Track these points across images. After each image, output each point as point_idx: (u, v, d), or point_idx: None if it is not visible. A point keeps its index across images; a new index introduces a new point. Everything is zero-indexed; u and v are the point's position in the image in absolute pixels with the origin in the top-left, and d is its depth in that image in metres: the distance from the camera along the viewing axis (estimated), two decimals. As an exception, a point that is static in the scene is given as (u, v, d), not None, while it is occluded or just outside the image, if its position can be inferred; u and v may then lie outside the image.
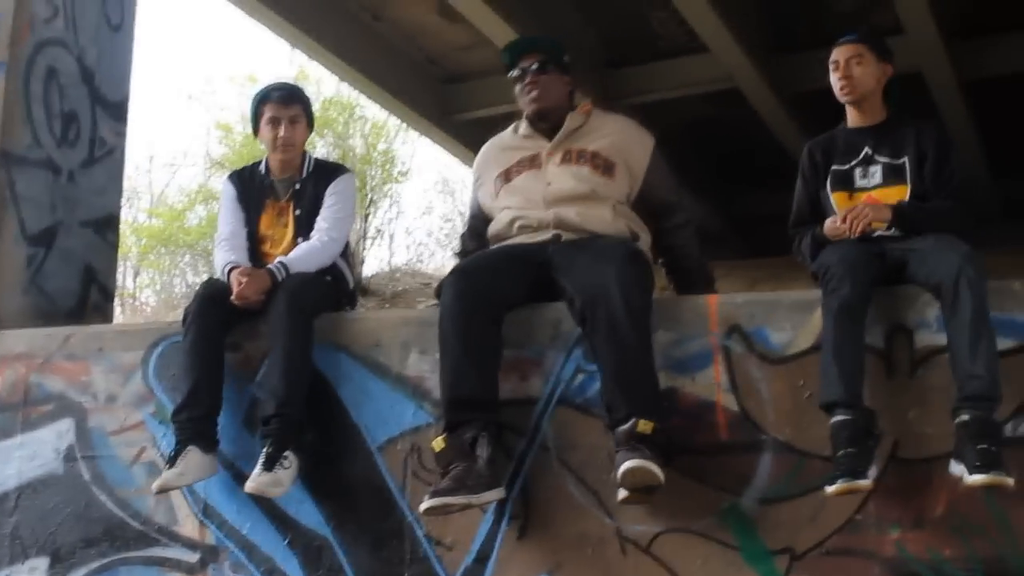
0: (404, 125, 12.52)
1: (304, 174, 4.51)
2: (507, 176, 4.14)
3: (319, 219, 4.38)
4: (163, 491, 3.93)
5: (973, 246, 3.47)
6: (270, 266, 4.19)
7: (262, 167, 4.57)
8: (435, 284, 11.52)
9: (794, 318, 3.55)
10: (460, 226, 19.37)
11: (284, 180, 4.50)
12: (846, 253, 3.49)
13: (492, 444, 3.51)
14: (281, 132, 4.44)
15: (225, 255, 4.34)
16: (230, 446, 4.09)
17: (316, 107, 13.71)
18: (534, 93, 4.12)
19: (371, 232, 13.22)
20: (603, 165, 4.03)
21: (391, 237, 15.05)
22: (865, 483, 3.17)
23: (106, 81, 5.22)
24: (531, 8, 8.28)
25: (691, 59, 8.97)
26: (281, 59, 26.95)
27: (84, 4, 5.13)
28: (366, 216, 12.67)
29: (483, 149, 4.39)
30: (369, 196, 12.98)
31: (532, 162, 4.11)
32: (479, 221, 4.28)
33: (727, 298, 3.70)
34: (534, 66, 4.14)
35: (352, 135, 14.15)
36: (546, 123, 4.16)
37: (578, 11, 8.63)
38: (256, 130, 4.60)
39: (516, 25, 8.12)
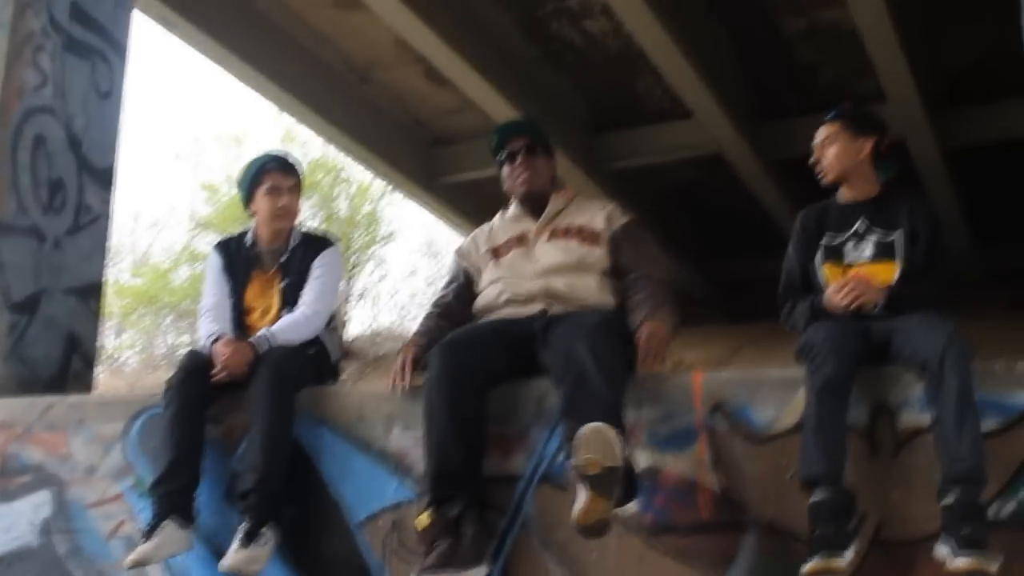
0: (390, 187, 12.56)
1: (291, 245, 4.52)
2: (496, 253, 4.18)
3: (305, 291, 4.39)
4: (137, 565, 3.86)
5: (954, 312, 3.51)
6: (253, 338, 4.19)
7: (249, 237, 4.58)
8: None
9: (778, 397, 3.55)
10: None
11: (271, 251, 4.51)
12: (831, 331, 3.49)
13: (476, 521, 3.50)
14: (283, 201, 4.47)
15: (209, 325, 4.34)
16: (210, 520, 4.05)
17: (303, 169, 13.90)
18: (525, 175, 4.17)
19: (355, 293, 13.25)
20: (589, 237, 4.07)
21: (375, 299, 15.10)
22: (841, 562, 3.15)
23: (94, 148, 5.24)
24: (518, 73, 8.39)
25: (675, 124, 9.09)
26: (268, 120, 27.08)
27: (73, 72, 5.17)
28: (350, 278, 12.69)
29: (470, 235, 4.42)
30: (354, 258, 13.01)
31: (520, 241, 4.15)
32: (462, 287, 4.27)
33: (712, 376, 3.70)
34: (523, 149, 4.19)
35: (337, 197, 14.24)
36: (533, 204, 4.20)
37: (564, 76, 8.72)
38: (249, 199, 4.57)
39: (503, 90, 8.22)
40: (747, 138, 8.72)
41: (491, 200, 10.27)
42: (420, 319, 4.26)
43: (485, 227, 4.35)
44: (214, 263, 4.56)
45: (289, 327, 4.27)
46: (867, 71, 7.83)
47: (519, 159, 4.18)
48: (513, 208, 4.28)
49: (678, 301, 3.97)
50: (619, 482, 3.22)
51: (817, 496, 3.24)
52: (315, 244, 4.57)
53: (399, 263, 30.42)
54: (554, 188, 4.28)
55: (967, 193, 9.45)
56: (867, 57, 7.51)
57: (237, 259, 4.53)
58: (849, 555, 3.17)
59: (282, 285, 4.43)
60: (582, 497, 3.22)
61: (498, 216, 4.35)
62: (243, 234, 4.64)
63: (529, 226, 4.17)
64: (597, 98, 9.05)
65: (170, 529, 3.84)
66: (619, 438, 3.23)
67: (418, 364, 3.88)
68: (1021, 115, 5.47)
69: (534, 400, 3.77)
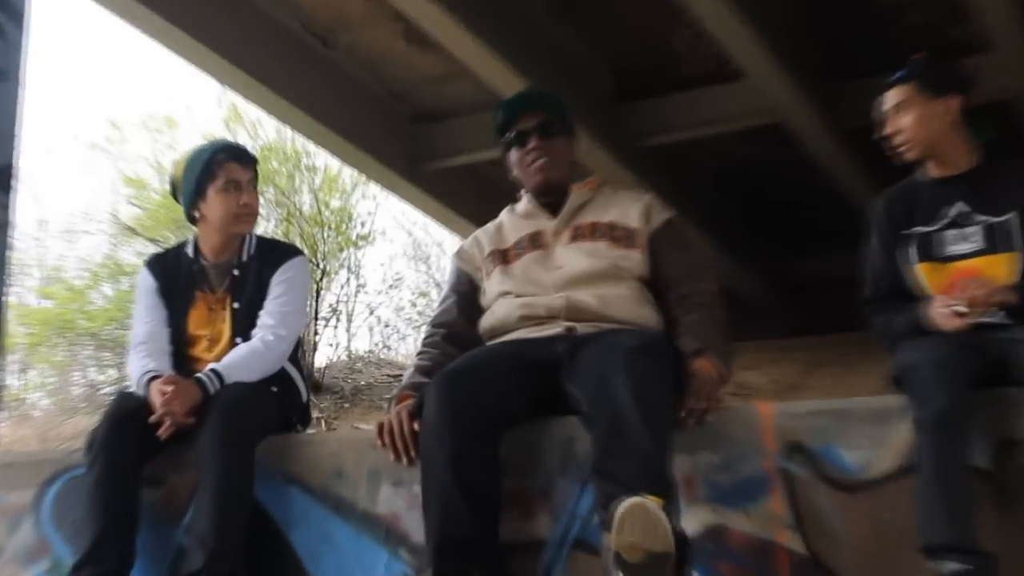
0: (364, 177, 12.56)
1: (245, 257, 4.52)
2: (504, 258, 4.16)
3: (263, 313, 4.39)
4: None
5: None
6: (200, 375, 4.17)
7: (189, 249, 4.58)
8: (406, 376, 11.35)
9: (873, 432, 3.53)
10: (435, 299, 19.42)
11: (219, 265, 4.51)
12: (935, 350, 3.47)
13: None
14: (245, 198, 4.47)
15: (142, 362, 4.32)
16: (149, 610, 4.05)
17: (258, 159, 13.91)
18: (541, 161, 4.15)
19: (324, 311, 13.23)
20: (623, 237, 4.07)
21: (349, 317, 15.06)
22: None
23: (-13, 141, 5.21)
24: (522, 30, 8.37)
25: (722, 88, 9.11)
26: (207, 98, 27.12)
27: (-41, 46, 5.15)
28: (318, 291, 12.67)
29: (471, 236, 4.43)
30: (321, 266, 13.01)
31: (534, 242, 4.14)
32: (467, 299, 4.26)
33: (785, 408, 3.70)
34: (537, 128, 4.17)
35: (299, 190, 14.24)
36: (549, 196, 4.20)
37: (580, 33, 8.72)
38: (195, 201, 4.53)
39: (502, 52, 8.22)
40: (814, 102, 8.72)
41: (491, 189, 10.42)
42: (418, 349, 4.23)
43: (490, 225, 4.35)
44: (146, 285, 4.56)
45: (244, 360, 4.26)
46: (964, 14, 7.82)
47: (532, 141, 4.17)
48: (525, 202, 4.28)
49: (731, 322, 3.97)
50: (670, 571, 3.13)
51: (947, 567, 3.21)
52: (274, 254, 4.57)
53: (379, 271, 30.55)
54: (575, 176, 4.28)
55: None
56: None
57: (175, 278, 4.53)
58: None
59: (234, 307, 4.43)
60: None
61: (505, 212, 4.35)
62: (181, 246, 4.64)
63: (545, 224, 4.17)
64: (623, 59, 9.06)
65: None
66: (668, 514, 3.14)
67: (416, 418, 3.82)
68: None
69: (560, 445, 3.77)
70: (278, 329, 4.34)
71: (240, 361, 4.24)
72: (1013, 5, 7.49)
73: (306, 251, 12.67)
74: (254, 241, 4.58)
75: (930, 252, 3.90)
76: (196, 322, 4.45)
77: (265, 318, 4.35)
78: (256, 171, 4.61)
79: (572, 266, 4.02)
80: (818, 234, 10.98)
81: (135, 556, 3.96)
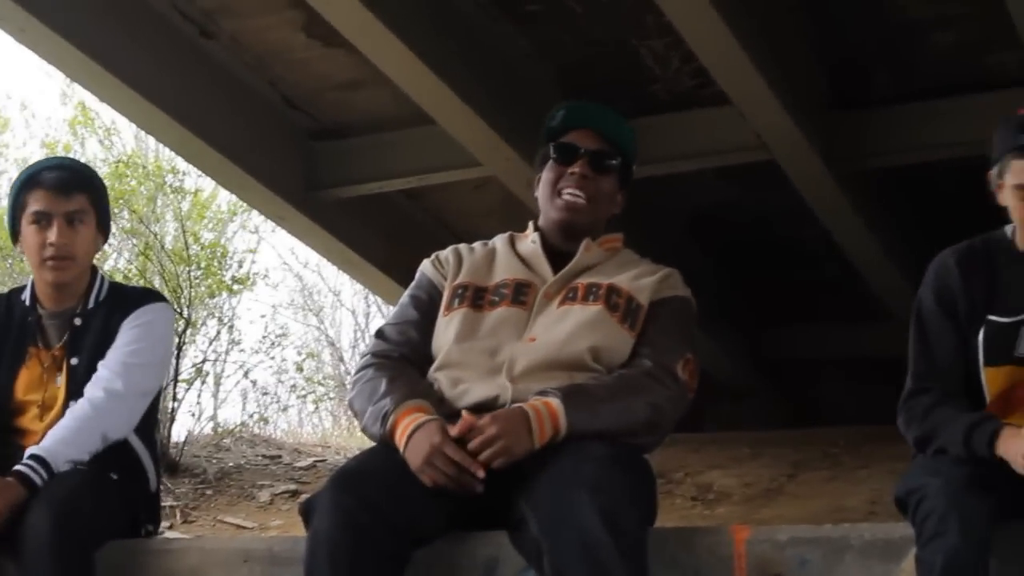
0: (245, 204, 12.53)
1: (92, 304, 4.54)
2: (478, 301, 4.18)
3: (100, 364, 4.39)
4: None
5: None
6: (20, 467, 4.14)
7: (26, 296, 4.60)
8: (285, 456, 11.35)
9: (871, 568, 3.58)
10: (328, 363, 19.29)
11: (59, 315, 4.54)
12: (952, 476, 3.51)
13: None
14: (52, 237, 4.45)
15: None
16: None
17: (105, 171, 13.77)
18: (578, 191, 4.19)
19: (187, 371, 13.12)
20: (623, 308, 4.09)
21: (218, 380, 14.95)
22: None
23: None
24: (450, 29, 8.39)
25: (702, 114, 9.15)
26: (51, 94, 27.04)
27: None
28: (180, 346, 12.56)
29: (455, 247, 4.45)
30: (186, 314, 12.92)
31: (517, 295, 4.17)
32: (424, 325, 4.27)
33: (761, 534, 3.74)
34: (593, 155, 4.21)
35: (161, 216, 14.14)
36: (564, 244, 4.26)
37: (528, 36, 8.75)
38: (16, 234, 4.59)
39: (427, 55, 8.23)
40: (815, 136, 8.76)
41: (404, 227, 10.42)
42: (373, 370, 4.14)
43: (480, 248, 4.39)
44: None
45: (71, 432, 4.25)
46: (1007, 36, 7.91)
47: (579, 166, 4.20)
48: (531, 238, 4.33)
49: (659, 425, 3.98)
50: None
51: None
52: (128, 300, 4.60)
53: (258, 324, 30.36)
54: (601, 232, 4.32)
55: None
56: (1006, 14, 7.62)
57: (5, 330, 4.54)
58: None
59: (71, 363, 4.44)
60: None
61: (502, 240, 4.39)
62: (17, 291, 4.64)
63: (545, 274, 4.22)
64: (577, 71, 9.09)
65: None
66: None
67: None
68: None
69: (482, 566, 3.83)
70: (114, 383, 4.32)
71: (67, 435, 4.22)
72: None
73: (169, 293, 12.62)
74: (105, 286, 4.59)
75: (1002, 351, 3.87)
76: (25, 385, 4.45)
77: (101, 370, 4.35)
78: (89, 201, 4.58)
79: (542, 346, 4.04)
80: (811, 300, 11.04)
81: None
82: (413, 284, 4.40)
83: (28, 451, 4.18)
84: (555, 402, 3.77)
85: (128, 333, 4.44)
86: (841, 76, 8.87)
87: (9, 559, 4.00)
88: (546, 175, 4.26)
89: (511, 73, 8.86)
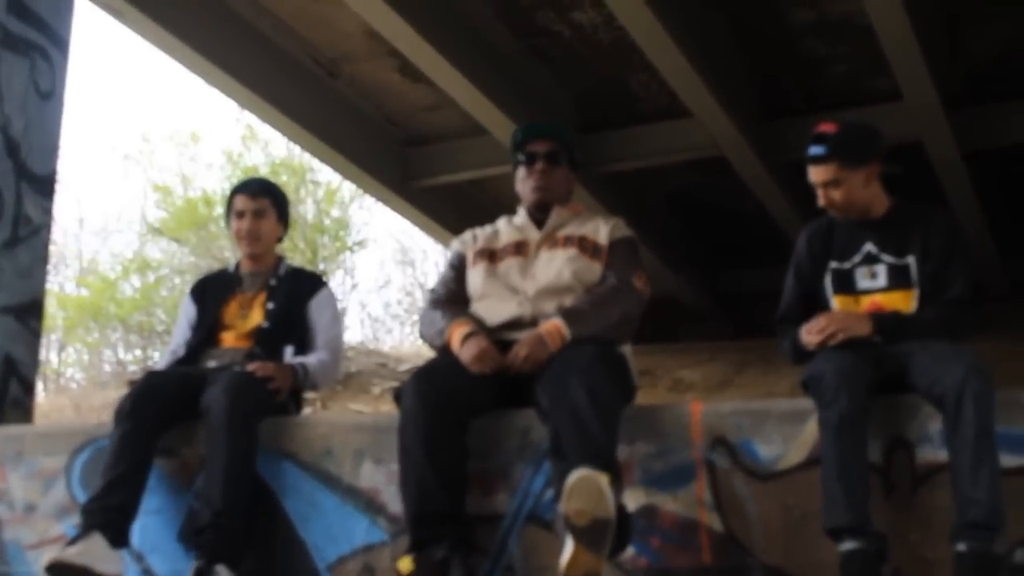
0: (360, 190, 12.55)
1: (280, 274, 4.69)
2: (492, 257, 4.21)
3: (321, 339, 4.55)
4: (55, 569, 3.71)
5: (979, 330, 3.58)
6: (293, 363, 4.37)
7: (232, 267, 4.82)
8: (391, 364, 11.34)
9: (785, 430, 3.58)
10: (420, 300, 19.38)
11: (254, 275, 4.67)
12: (839, 361, 3.50)
13: (463, 565, 3.50)
14: (246, 224, 4.63)
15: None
16: (163, 562, 4.07)
17: (265, 170, 13.82)
18: (540, 183, 4.23)
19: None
20: (591, 248, 4.11)
21: (344, 312, 15.04)
22: None
23: (33, 153, 5.23)
24: (500, 68, 8.39)
25: (673, 124, 9.05)
26: (227, 117, 27.10)
27: (11, 71, 5.16)
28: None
29: (469, 230, 4.44)
30: (321, 267, 13.01)
31: (519, 249, 4.19)
32: (459, 280, 4.29)
33: (712, 407, 3.73)
34: (545, 155, 4.24)
35: (304, 201, 14.21)
36: (541, 214, 4.26)
37: (551, 71, 8.72)
38: (228, 224, 4.83)
39: (484, 86, 8.22)
40: (751, 138, 8.71)
41: (470, 205, 10.43)
42: (431, 308, 4.21)
43: (488, 226, 4.39)
44: (185, 308, 4.77)
45: (322, 368, 4.47)
46: (881, 67, 7.86)
47: (538, 164, 4.24)
48: (520, 214, 4.33)
49: (628, 319, 3.97)
50: (610, 535, 3.22)
51: (846, 546, 3.26)
52: (305, 281, 4.75)
53: (370, 273, 30.49)
54: (566, 202, 4.32)
55: (991, 198, 9.49)
56: (881, 52, 7.54)
57: (214, 286, 4.74)
58: None
59: (268, 306, 4.54)
60: (568, 548, 3.22)
61: (503, 219, 4.39)
62: (224, 268, 4.95)
63: (531, 236, 4.22)
64: (587, 95, 9.05)
65: (96, 541, 3.78)
66: (611, 487, 3.23)
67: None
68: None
69: (518, 433, 3.81)
70: (335, 351, 4.63)
71: (319, 368, 4.47)
72: (921, 61, 7.54)
73: (308, 254, 12.65)
74: (287, 267, 4.80)
75: (844, 286, 3.90)
76: (229, 315, 4.62)
77: (322, 339, 4.57)
78: (271, 202, 4.72)
79: (542, 278, 4.04)
80: (750, 251, 10.99)
81: (139, 501, 3.95)
82: (448, 257, 4.44)
83: (297, 359, 4.42)
84: (559, 321, 3.80)
85: (323, 316, 4.61)
86: (769, 95, 8.80)
87: (199, 426, 4.07)
88: (520, 174, 4.31)
89: (541, 97, 8.83)
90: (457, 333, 3.90)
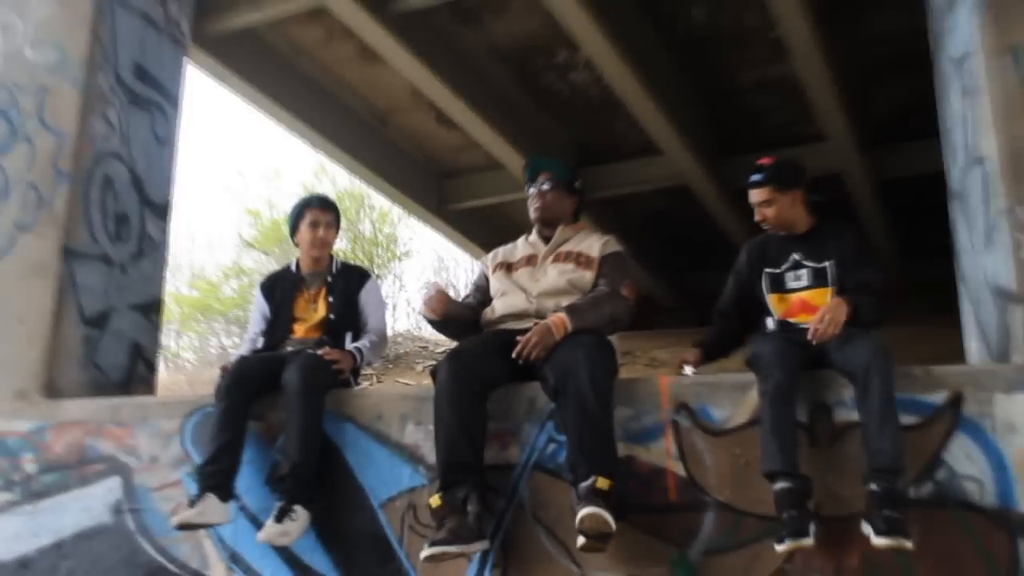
0: (406, 212, 12.57)
1: (334, 271, 4.63)
2: (510, 268, 4.22)
3: (371, 324, 4.51)
4: (182, 526, 3.85)
5: (884, 320, 3.58)
6: (351, 349, 4.34)
7: (292, 267, 4.70)
8: (431, 347, 11.27)
9: (733, 397, 3.59)
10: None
11: (314, 274, 4.61)
12: (776, 345, 3.52)
13: (480, 502, 3.53)
14: (320, 232, 4.57)
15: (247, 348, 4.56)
16: (255, 502, 4.09)
17: (332, 196, 13.85)
18: (540, 204, 4.24)
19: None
20: (584, 262, 4.09)
21: (394, 307, 15.09)
22: (808, 541, 3.19)
23: (153, 186, 5.26)
24: (514, 117, 8.40)
25: (648, 160, 9.03)
26: (302, 156, 27.21)
27: (136, 122, 5.19)
28: (374, 289, 12.77)
29: (493, 250, 4.44)
30: (376, 272, 13.03)
31: (530, 261, 4.19)
32: (481, 290, 4.31)
33: (677, 380, 3.73)
34: (545, 184, 4.24)
35: (362, 220, 14.24)
36: (548, 231, 4.25)
37: (553, 119, 8.73)
38: (294, 232, 4.68)
39: (501, 131, 8.24)
40: (709, 172, 8.71)
41: (491, 224, 10.43)
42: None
43: (509, 244, 4.38)
44: (257, 303, 4.70)
45: (375, 347, 4.46)
46: (808, 116, 7.86)
47: (539, 191, 4.24)
48: (534, 232, 4.32)
49: (617, 319, 3.93)
50: (611, 537, 3.32)
51: (779, 485, 3.28)
52: (356, 273, 4.69)
53: (414, 277, 30.44)
54: (570, 221, 4.30)
55: (894, 216, 9.47)
56: (808, 104, 7.55)
57: (283, 285, 4.63)
58: (812, 532, 3.20)
59: (329, 300, 4.50)
60: (580, 540, 3.32)
61: (522, 237, 4.37)
62: (287, 267, 4.77)
63: (540, 249, 4.21)
64: (581, 138, 9.05)
65: (211, 501, 3.86)
66: (612, 519, 3.29)
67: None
68: (938, 152, 5.48)
69: (527, 401, 3.81)
70: (383, 332, 4.58)
71: (372, 348, 4.42)
72: (841, 113, 7.54)
73: (366, 263, 12.63)
74: (339, 263, 4.70)
75: (776, 286, 3.92)
76: (299, 309, 4.55)
77: (373, 324, 4.52)
78: (334, 216, 4.69)
79: (548, 282, 4.05)
80: (709, 258, 10.96)
81: (240, 464, 4.01)
82: (475, 276, 4.44)
83: (355, 344, 4.38)
84: (563, 315, 3.79)
85: (371, 304, 4.55)
86: (723, 135, 8.79)
87: (280, 396, 4.07)
88: (530, 201, 4.28)
89: (545, 139, 8.83)
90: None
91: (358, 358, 4.32)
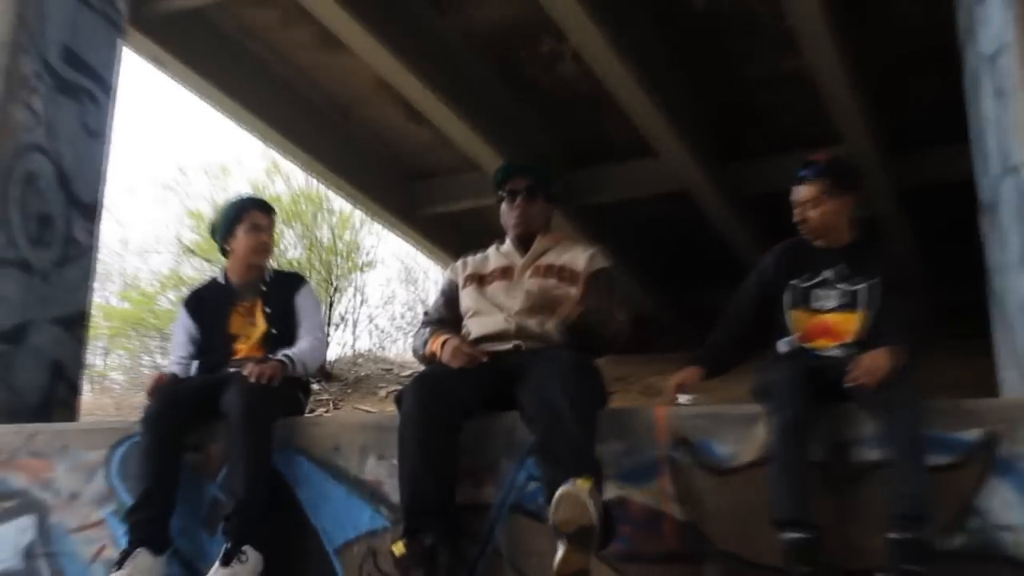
0: (370, 218, 12.54)
1: (267, 279, 4.55)
2: (482, 281, 4.15)
3: (305, 326, 4.41)
4: None
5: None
6: (281, 356, 4.18)
7: (220, 278, 4.62)
8: (395, 370, 11.20)
9: (738, 431, 3.54)
10: (421, 314, 19.38)
11: (245, 284, 4.52)
12: (789, 372, 3.48)
13: (450, 550, 3.47)
14: (263, 237, 4.52)
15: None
16: (189, 546, 4.01)
17: (286, 200, 13.76)
18: (520, 216, 4.17)
19: (335, 319, 13.20)
20: (568, 276, 4.05)
21: (355, 323, 14.98)
22: None
23: (82, 184, 5.20)
24: (492, 113, 8.38)
25: (643, 162, 9.07)
26: (253, 152, 27.15)
27: (64, 112, 5.13)
28: (331, 304, 12.65)
29: (460, 259, 4.38)
30: (334, 284, 12.96)
31: (505, 273, 4.13)
32: (451, 303, 4.25)
33: (675, 411, 3.69)
34: (524, 191, 4.18)
35: (320, 226, 14.16)
36: (525, 242, 4.21)
37: (536, 116, 8.73)
38: (228, 237, 4.56)
39: (478, 129, 8.23)
40: (711, 177, 8.74)
41: (466, 231, 10.40)
42: (422, 326, 4.21)
43: (479, 253, 4.32)
44: (181, 320, 4.59)
45: (310, 351, 4.32)
46: (823, 116, 7.87)
47: (518, 199, 4.18)
48: (507, 243, 4.27)
49: (605, 345, 3.92)
50: (595, 536, 3.16)
51: (789, 536, 3.24)
52: (290, 280, 4.63)
53: (378, 290, 30.41)
54: (546, 230, 4.26)
55: (923, 231, 9.50)
56: (822, 103, 7.57)
57: (213, 301, 4.53)
58: None
59: (267, 311, 4.43)
60: (560, 550, 3.17)
61: (493, 247, 4.32)
62: (212, 280, 4.69)
63: (517, 261, 4.16)
64: (568, 137, 9.06)
65: (143, 557, 3.78)
66: (592, 497, 3.15)
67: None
68: (966, 159, 5.46)
69: (504, 433, 3.75)
70: (319, 332, 4.49)
71: (307, 352, 4.29)
72: (859, 113, 7.56)
73: (323, 273, 12.60)
74: (271, 270, 4.63)
75: (800, 302, 3.84)
76: (236, 326, 4.43)
77: (307, 325, 4.42)
78: (274, 219, 4.64)
79: (525, 299, 3.99)
80: (710, 273, 10.96)
81: (173, 505, 3.93)
82: (441, 285, 4.41)
83: (282, 351, 4.21)
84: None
85: (305, 308, 4.46)
86: (726, 138, 8.81)
87: (222, 424, 4.00)
88: (503, 208, 4.23)
89: (526, 138, 8.83)
90: (438, 340, 3.91)
91: (288, 365, 4.16)
